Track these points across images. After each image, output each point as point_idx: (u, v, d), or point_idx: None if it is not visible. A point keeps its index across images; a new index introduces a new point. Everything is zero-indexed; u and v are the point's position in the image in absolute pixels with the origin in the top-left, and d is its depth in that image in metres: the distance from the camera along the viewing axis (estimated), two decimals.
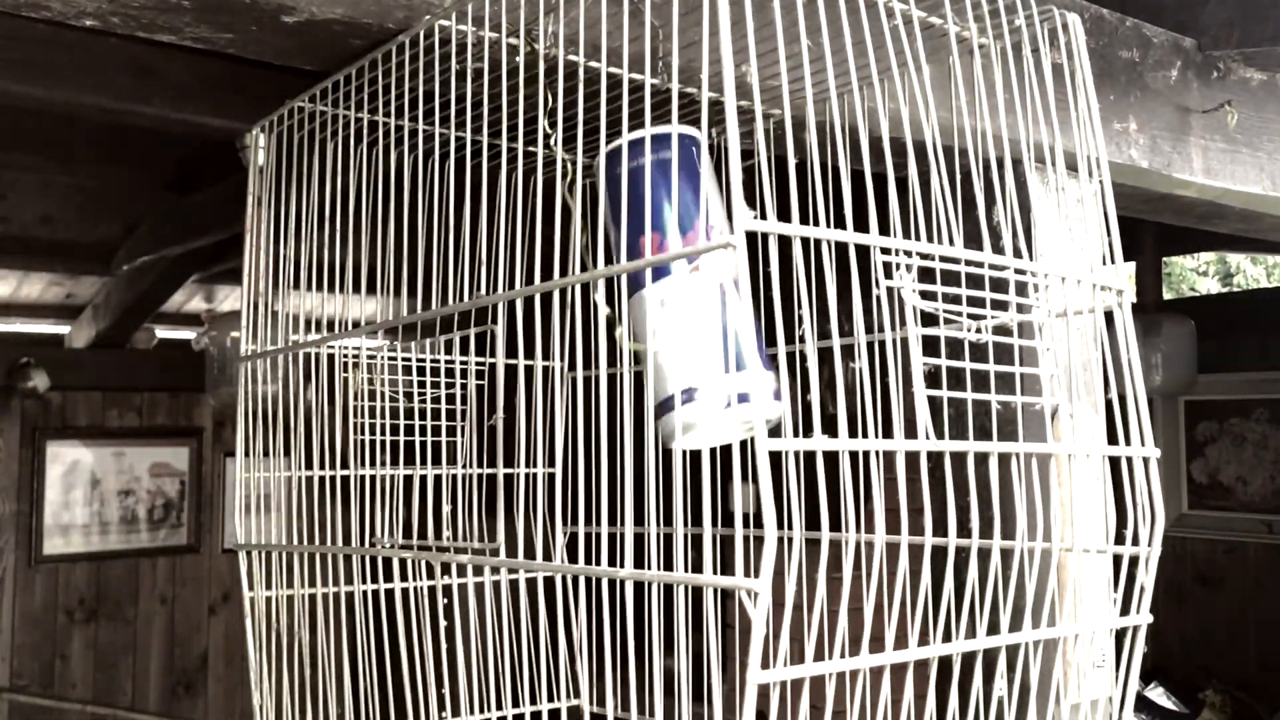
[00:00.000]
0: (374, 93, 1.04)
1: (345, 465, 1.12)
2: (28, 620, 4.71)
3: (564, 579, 0.89)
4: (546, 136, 0.90)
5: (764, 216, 0.64)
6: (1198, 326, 3.56)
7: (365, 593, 1.04)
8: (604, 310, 0.79)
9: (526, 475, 1.08)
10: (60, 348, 5.25)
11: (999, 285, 0.84)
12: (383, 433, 1.08)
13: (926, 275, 0.74)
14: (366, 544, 0.99)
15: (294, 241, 1.14)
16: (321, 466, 1.10)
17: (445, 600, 0.98)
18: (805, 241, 0.67)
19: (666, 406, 0.85)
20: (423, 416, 1.06)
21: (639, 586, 0.72)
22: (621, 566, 0.71)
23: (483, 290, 0.87)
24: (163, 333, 5.35)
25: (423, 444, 0.97)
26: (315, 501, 1.08)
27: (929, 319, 0.74)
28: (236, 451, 1.22)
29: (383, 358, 1.00)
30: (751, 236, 0.65)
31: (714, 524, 0.70)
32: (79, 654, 4.83)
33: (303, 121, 1.15)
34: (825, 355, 1.18)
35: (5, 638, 4.65)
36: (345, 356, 1.15)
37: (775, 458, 0.61)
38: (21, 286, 4.95)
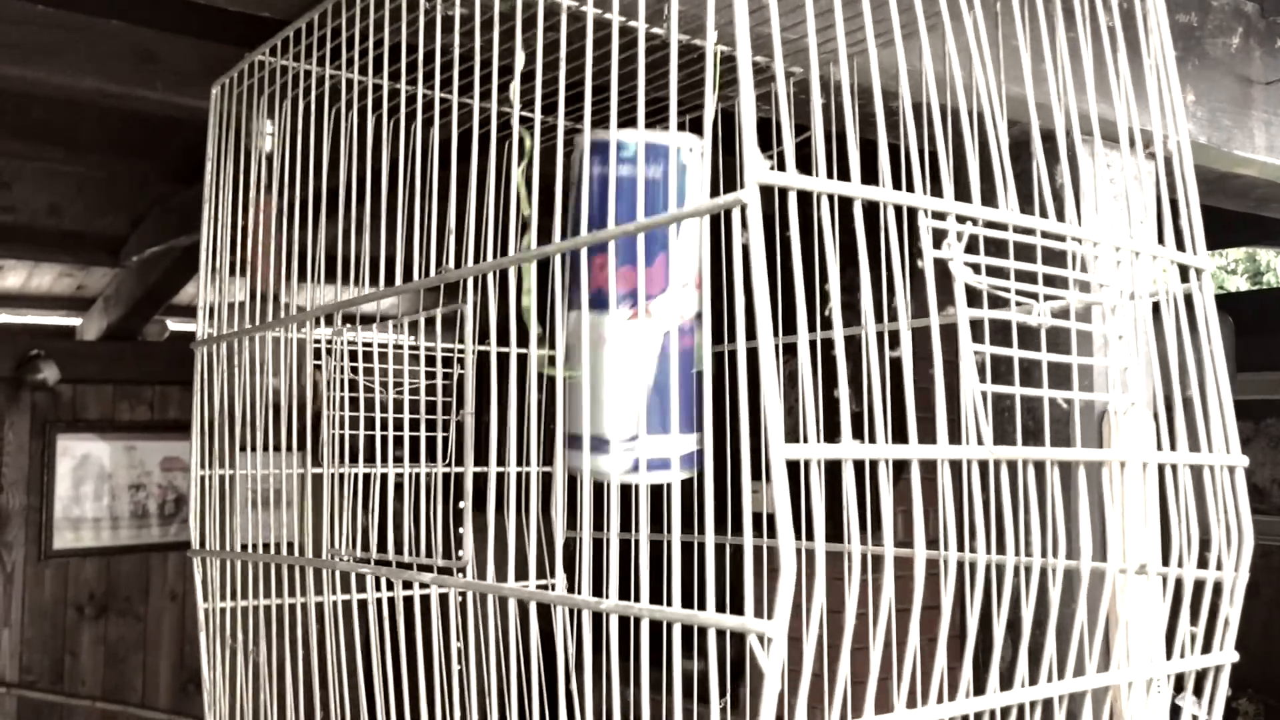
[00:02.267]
0: (338, 47, 0.92)
1: (310, 463, 0.99)
2: (37, 616, 4.65)
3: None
4: (526, 101, 0.77)
5: (783, 168, 0.51)
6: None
7: (335, 604, 0.92)
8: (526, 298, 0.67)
9: (518, 475, 0.95)
10: (71, 340, 5.19)
11: (1054, 261, 0.70)
12: (353, 426, 0.95)
13: (974, 252, 0.61)
14: (324, 554, 0.86)
15: (251, 214, 1.02)
16: (282, 465, 0.98)
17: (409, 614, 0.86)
18: (833, 205, 0.55)
19: (577, 443, 0.79)
20: (398, 409, 0.93)
21: (624, 620, 0.59)
22: (605, 596, 0.58)
23: (451, 265, 0.74)
24: (175, 325, 5.28)
25: (392, 439, 0.85)
26: (270, 503, 0.96)
27: (981, 300, 0.61)
28: (192, 448, 1.10)
29: (341, 343, 0.87)
30: (767, 194, 0.52)
31: (716, 559, 0.57)
32: (89, 650, 4.77)
33: (265, 80, 1.03)
34: (850, 344, 1.05)
35: (15, 633, 4.59)
36: (316, 343, 1.02)
37: (794, 469, 0.49)
38: (32, 278, 4.89)
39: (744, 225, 0.52)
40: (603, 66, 0.71)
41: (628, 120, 0.74)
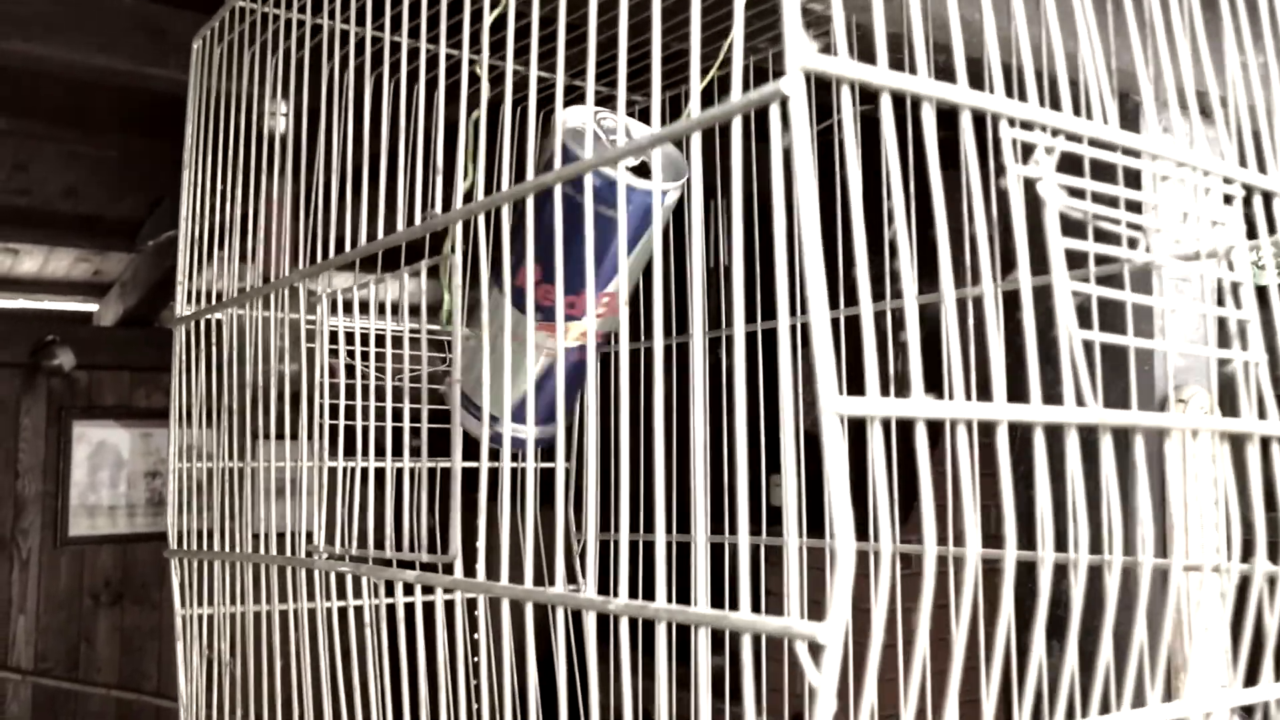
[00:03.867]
0: None
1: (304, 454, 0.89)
2: (53, 603, 4.62)
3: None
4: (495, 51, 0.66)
5: (834, 51, 0.40)
6: None
7: (318, 610, 0.81)
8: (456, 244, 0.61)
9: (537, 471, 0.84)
10: (88, 326, 5.15)
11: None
12: (338, 415, 0.84)
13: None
14: (301, 553, 0.75)
15: (241, 178, 0.91)
16: (258, 456, 0.87)
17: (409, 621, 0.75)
18: (898, 110, 0.43)
19: (465, 401, 0.87)
20: (382, 397, 0.82)
21: (636, 622, 0.48)
22: (614, 594, 0.47)
23: (438, 210, 0.63)
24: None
25: (373, 429, 0.74)
26: (251, 498, 0.86)
27: (1082, 232, 0.49)
28: (170, 437, 1.00)
29: (322, 321, 0.76)
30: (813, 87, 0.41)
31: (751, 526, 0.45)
32: (104, 638, 4.73)
33: (253, 30, 0.92)
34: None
35: (30, 620, 4.56)
36: (309, 325, 0.91)
37: (857, 432, 0.38)
38: (48, 263, 4.84)
39: (785, 125, 0.41)
40: (609, 17, 0.59)
41: (639, 81, 0.63)
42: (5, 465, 4.58)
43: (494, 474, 0.60)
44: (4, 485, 4.56)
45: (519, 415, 0.89)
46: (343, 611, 0.72)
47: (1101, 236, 0.53)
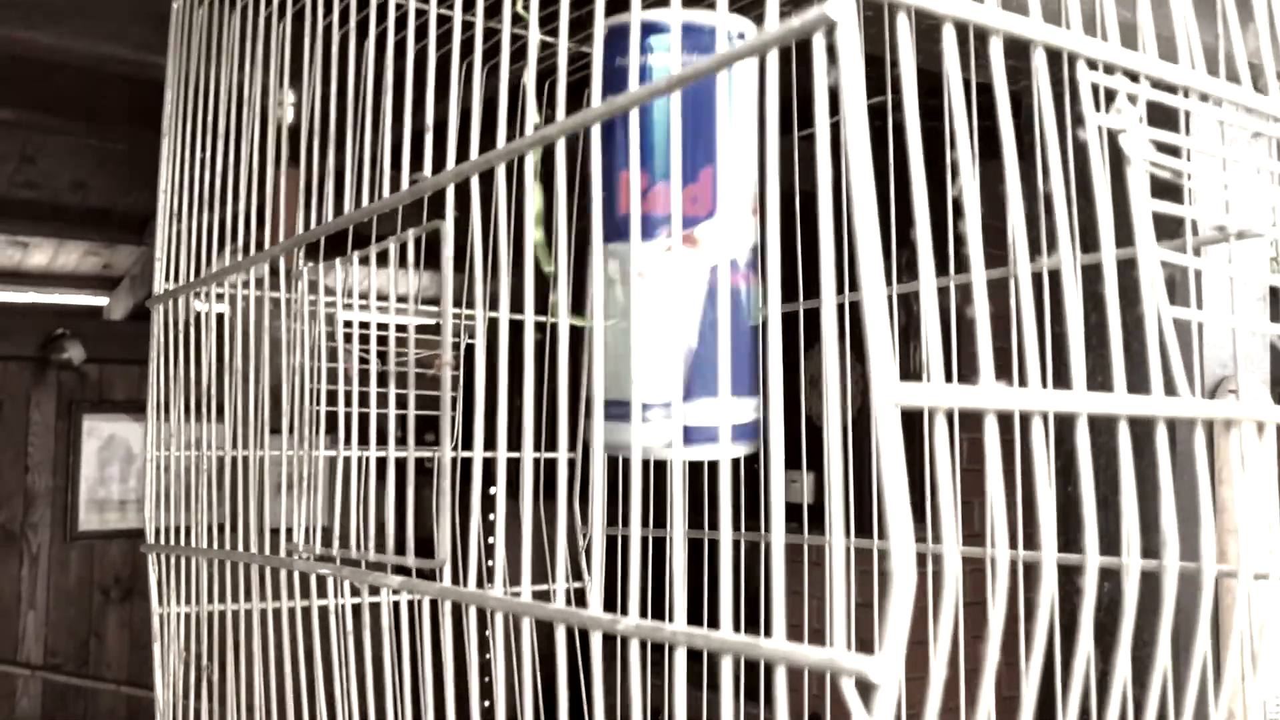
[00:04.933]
0: None
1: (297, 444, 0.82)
2: (62, 598, 4.59)
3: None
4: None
5: None
6: None
7: (307, 610, 0.74)
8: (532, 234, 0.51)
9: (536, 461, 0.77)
10: (98, 319, 5.12)
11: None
12: (331, 402, 0.78)
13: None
14: (282, 551, 0.69)
15: (221, 144, 0.85)
16: (246, 445, 0.81)
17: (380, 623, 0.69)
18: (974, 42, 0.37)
19: (619, 412, 0.61)
20: (381, 383, 0.76)
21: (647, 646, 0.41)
22: (624, 612, 0.41)
23: (428, 171, 0.56)
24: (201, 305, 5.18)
25: (356, 416, 0.67)
26: (233, 490, 0.79)
27: (1178, 195, 0.42)
28: (147, 426, 0.93)
29: (303, 297, 0.69)
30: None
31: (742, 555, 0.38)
32: (114, 633, 4.70)
33: None
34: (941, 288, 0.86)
35: (39, 615, 4.53)
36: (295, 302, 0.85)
37: (911, 424, 0.31)
38: (58, 256, 4.81)
39: (832, 58, 0.34)
40: None
41: None
42: (15, 459, 4.56)
43: (473, 465, 0.53)
44: (13, 479, 4.54)
45: (700, 387, 0.62)
46: (324, 611, 0.65)
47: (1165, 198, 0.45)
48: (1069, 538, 0.86)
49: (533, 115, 0.50)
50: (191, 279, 0.85)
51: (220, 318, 0.84)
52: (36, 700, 4.49)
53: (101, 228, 4.55)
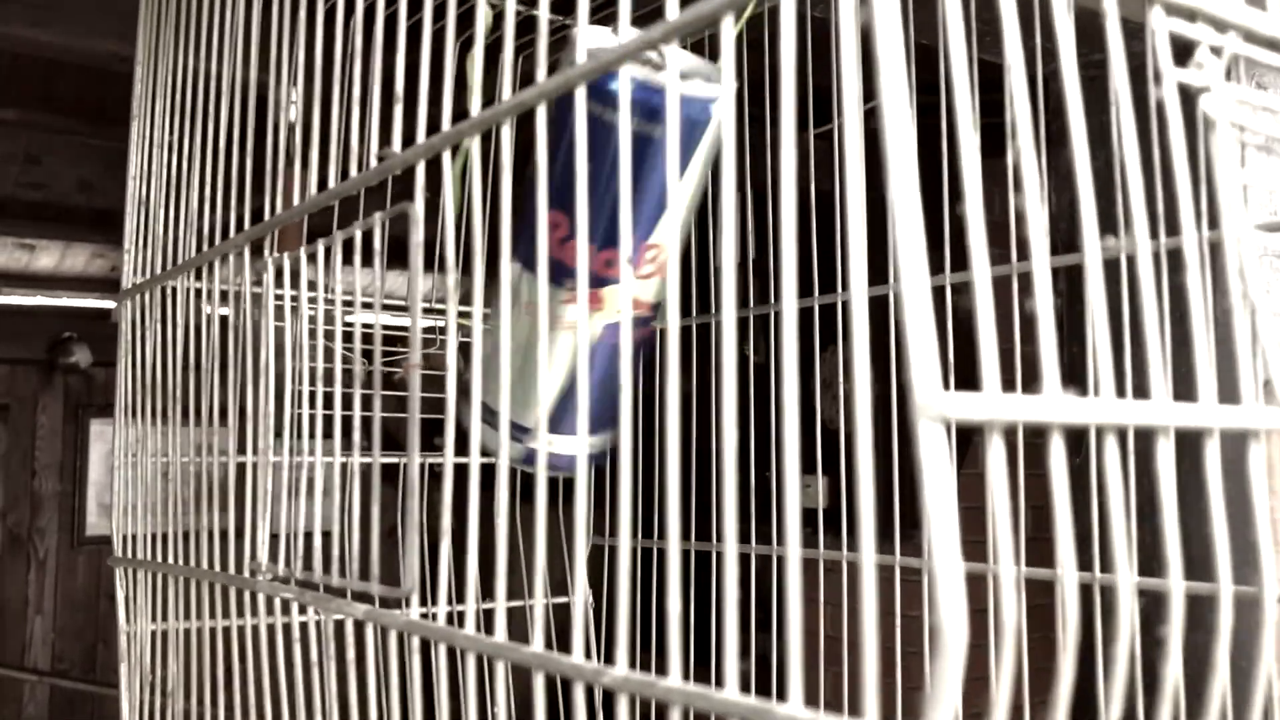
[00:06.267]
0: None
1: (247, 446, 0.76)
2: (70, 604, 4.56)
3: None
4: None
5: None
6: None
7: (271, 628, 0.68)
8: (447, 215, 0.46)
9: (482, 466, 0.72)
10: (105, 322, 5.08)
11: None
12: (309, 405, 0.71)
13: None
14: (246, 570, 0.63)
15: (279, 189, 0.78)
16: (210, 451, 0.74)
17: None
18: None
19: (493, 420, 0.66)
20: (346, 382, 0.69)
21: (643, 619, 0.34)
22: (610, 662, 0.34)
23: (397, 147, 0.50)
24: (208, 309, 5.15)
25: (320, 418, 0.60)
26: (195, 498, 0.73)
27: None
28: (116, 429, 0.87)
29: (268, 292, 0.63)
30: None
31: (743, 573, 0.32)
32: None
33: None
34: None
35: (47, 621, 4.50)
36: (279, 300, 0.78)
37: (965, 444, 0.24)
38: (65, 259, 4.78)
39: None
40: None
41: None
42: (22, 464, 4.53)
43: (463, 478, 0.46)
44: (20, 484, 4.51)
45: (561, 423, 0.67)
46: (291, 629, 0.59)
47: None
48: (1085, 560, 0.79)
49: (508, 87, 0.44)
50: (159, 272, 0.79)
51: (187, 312, 0.78)
52: (44, 706, 4.45)
53: (108, 230, 4.52)
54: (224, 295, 0.74)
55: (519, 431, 0.68)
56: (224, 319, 0.72)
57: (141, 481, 0.81)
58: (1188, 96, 0.35)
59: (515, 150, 0.44)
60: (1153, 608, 0.52)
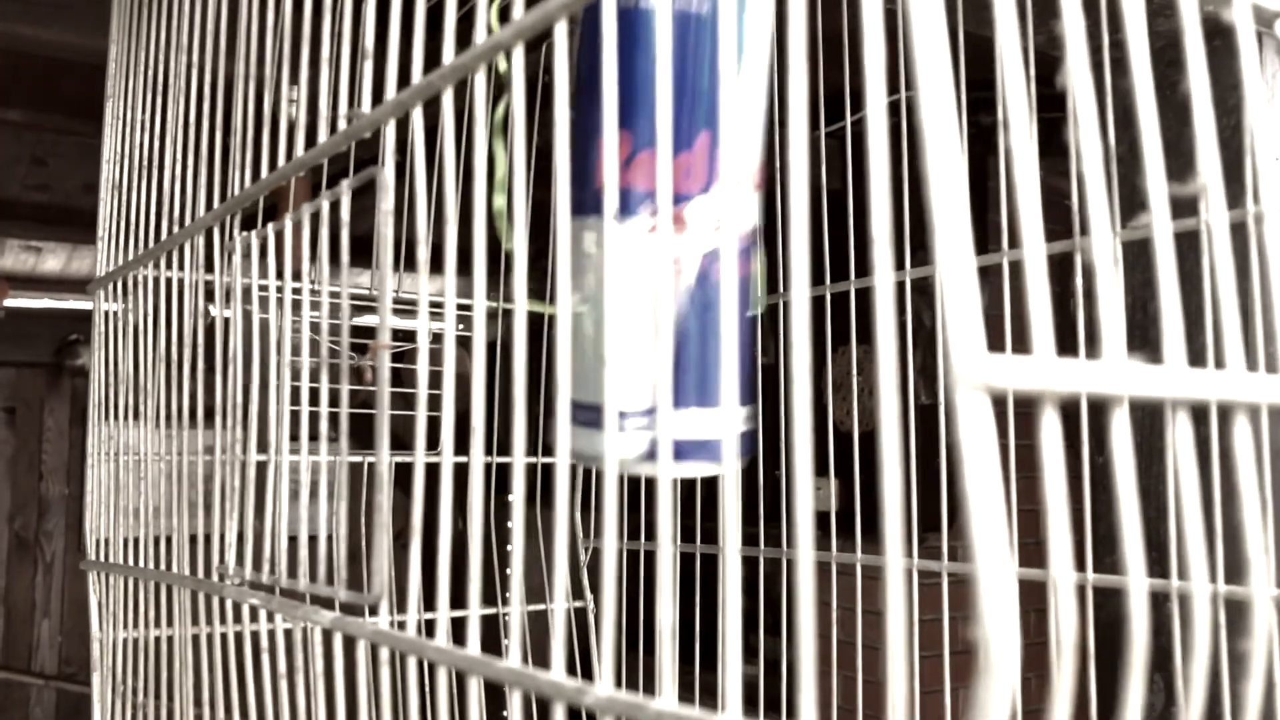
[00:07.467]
0: None
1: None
2: (77, 607, 4.54)
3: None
4: None
5: None
6: None
7: (240, 635, 0.63)
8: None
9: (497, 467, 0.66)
10: None
11: None
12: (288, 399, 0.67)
13: None
14: (214, 574, 0.58)
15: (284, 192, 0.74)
16: (181, 448, 0.70)
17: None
18: None
19: (589, 417, 0.50)
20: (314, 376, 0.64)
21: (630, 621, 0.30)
22: (589, 678, 0.30)
23: (366, 107, 0.45)
24: (215, 311, 5.13)
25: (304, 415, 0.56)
26: (170, 499, 0.69)
27: None
28: (90, 426, 0.83)
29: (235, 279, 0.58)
30: None
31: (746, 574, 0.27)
32: None
33: None
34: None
35: (54, 624, 4.48)
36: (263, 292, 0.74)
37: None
38: (71, 261, 4.76)
39: None
40: None
41: None
42: (29, 467, 4.51)
43: (434, 477, 0.42)
44: (28, 487, 4.49)
45: (684, 395, 0.52)
46: (258, 636, 0.54)
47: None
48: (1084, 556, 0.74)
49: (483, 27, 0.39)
50: (129, 259, 0.75)
51: (157, 301, 0.73)
52: (50, 709, 4.43)
53: None
54: (199, 285, 0.69)
55: (630, 419, 0.52)
56: (196, 307, 0.68)
57: (115, 481, 0.77)
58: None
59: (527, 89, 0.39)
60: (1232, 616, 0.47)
